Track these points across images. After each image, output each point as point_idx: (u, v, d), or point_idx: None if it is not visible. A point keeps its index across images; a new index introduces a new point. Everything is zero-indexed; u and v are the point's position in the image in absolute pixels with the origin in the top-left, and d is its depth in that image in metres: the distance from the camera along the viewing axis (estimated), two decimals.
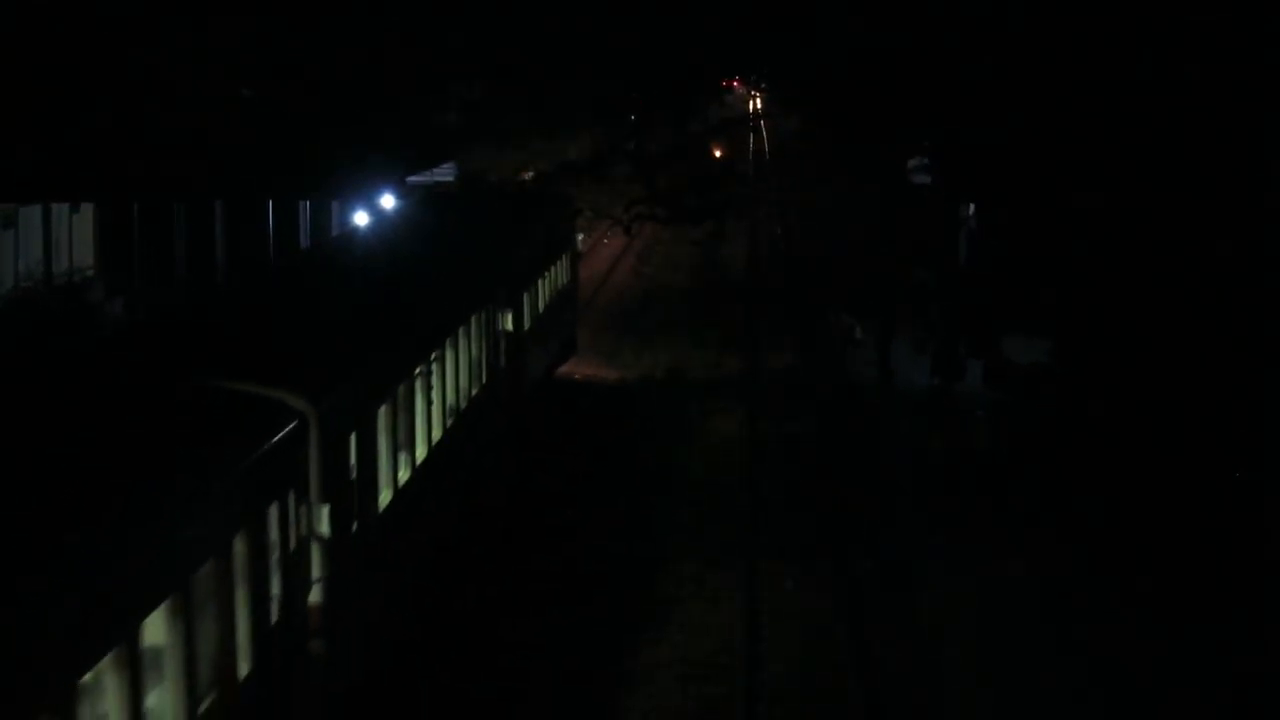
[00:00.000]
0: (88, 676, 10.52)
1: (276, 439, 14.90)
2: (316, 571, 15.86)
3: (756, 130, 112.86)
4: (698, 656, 21.54)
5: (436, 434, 21.78)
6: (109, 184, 42.83)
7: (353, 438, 17.25)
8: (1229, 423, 26.11)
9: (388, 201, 46.93)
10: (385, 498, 18.79)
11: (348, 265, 25.99)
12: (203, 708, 12.56)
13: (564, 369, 38.80)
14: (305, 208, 54.75)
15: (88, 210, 46.22)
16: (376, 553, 18.27)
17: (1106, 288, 29.43)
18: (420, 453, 20.76)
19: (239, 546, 13.64)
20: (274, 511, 14.72)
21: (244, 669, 13.73)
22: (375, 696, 18.59)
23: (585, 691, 20.42)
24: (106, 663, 10.71)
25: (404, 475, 19.77)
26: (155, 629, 11.62)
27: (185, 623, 12.14)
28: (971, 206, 43.88)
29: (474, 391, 25.09)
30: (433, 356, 21.91)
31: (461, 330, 24.26)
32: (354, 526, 17.12)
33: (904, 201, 52.06)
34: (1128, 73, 28.32)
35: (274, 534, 14.73)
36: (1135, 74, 28.01)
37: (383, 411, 18.79)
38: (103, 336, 24.88)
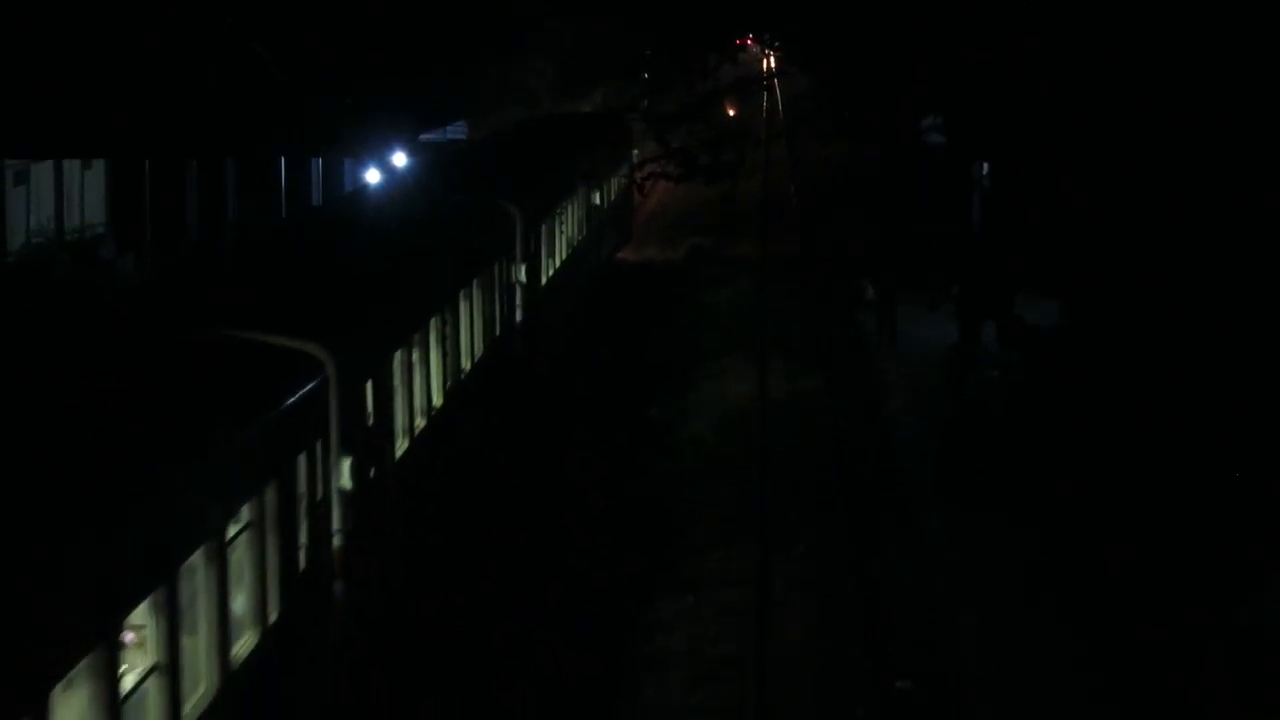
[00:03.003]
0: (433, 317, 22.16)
1: (503, 224, 29.02)
2: (518, 303, 29.41)
3: (770, 89, 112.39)
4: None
5: (564, 253, 36.72)
6: (120, 141, 42.78)
7: (531, 235, 30.84)
8: (1237, 400, 25.86)
9: (399, 159, 46.83)
10: (544, 278, 33.08)
11: (499, 153, 39.73)
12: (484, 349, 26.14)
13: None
14: (317, 165, 54.68)
15: (99, 167, 46.21)
16: (544, 304, 32.79)
17: (1120, 251, 29.26)
18: (559, 259, 35.67)
19: (494, 271, 27.18)
20: (504, 263, 28.38)
21: (498, 329, 27.53)
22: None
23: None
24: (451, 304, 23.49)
25: (554, 268, 34.79)
26: (470, 298, 24.90)
27: (470, 302, 24.87)
28: (985, 166, 43.68)
29: (580, 236, 40.20)
30: (564, 203, 36.80)
31: (574, 196, 39.02)
32: (537, 282, 31.88)
33: (917, 161, 51.84)
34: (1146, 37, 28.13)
35: (500, 277, 27.86)
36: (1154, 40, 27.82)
37: (544, 227, 33.10)
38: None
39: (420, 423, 20.98)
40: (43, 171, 43.82)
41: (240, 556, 13.79)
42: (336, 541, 16.73)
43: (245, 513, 13.82)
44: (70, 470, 11.27)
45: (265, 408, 14.85)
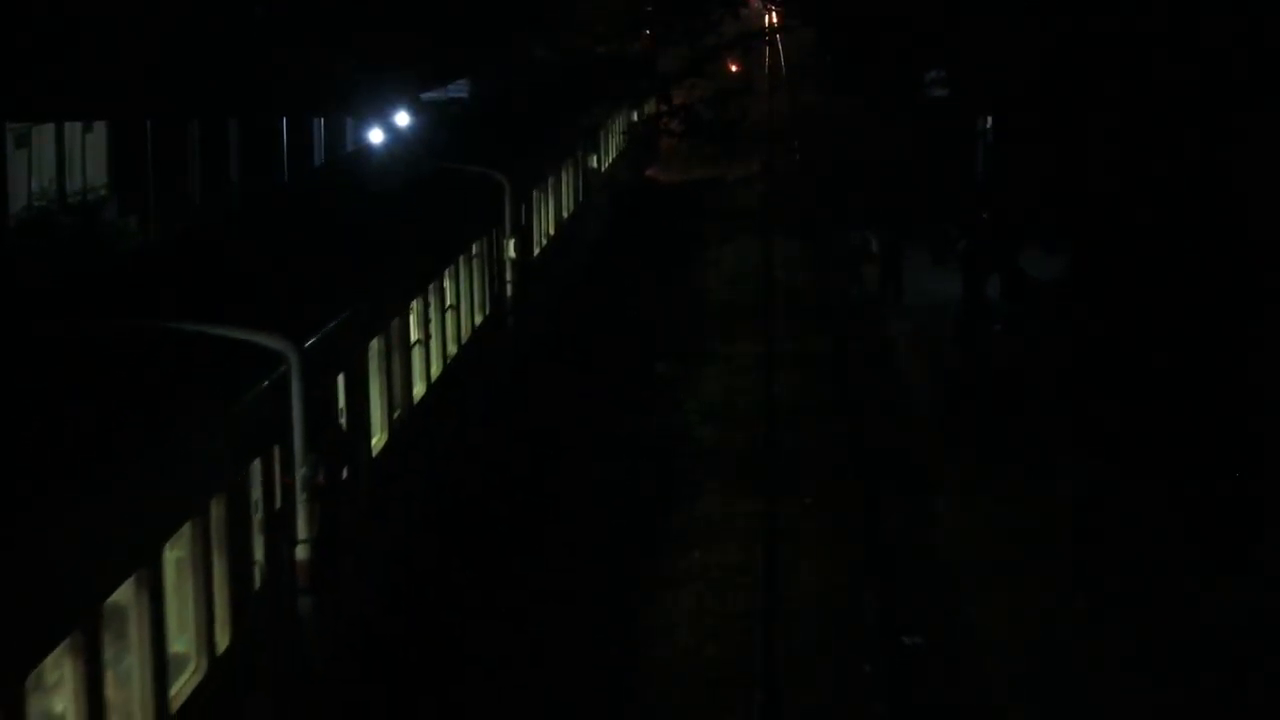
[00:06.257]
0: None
1: (583, 132, 42.60)
2: (581, 198, 41.02)
3: (772, 44, 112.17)
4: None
5: (608, 161, 49.53)
6: (122, 102, 42.68)
7: (601, 134, 46.88)
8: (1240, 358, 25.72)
9: (402, 119, 46.73)
10: (603, 168, 46.68)
11: (580, 84, 51.80)
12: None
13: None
14: (319, 125, 54.62)
15: (101, 130, 46.12)
16: (603, 184, 47.80)
17: (1122, 205, 29.22)
18: (608, 159, 49.12)
19: (578, 160, 41.21)
20: (582, 153, 40.63)
21: (581, 196, 42.04)
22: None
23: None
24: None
25: (607, 161, 48.73)
26: (569, 173, 39.38)
27: (570, 173, 39.10)
28: (989, 120, 43.59)
29: (620, 149, 53.97)
30: (612, 123, 50.81)
31: (616, 120, 53.25)
32: (599, 170, 45.26)
33: (920, 114, 51.73)
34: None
35: (581, 165, 41.07)
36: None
37: (602, 133, 47.19)
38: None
39: (545, 240, 33.18)
40: (44, 134, 43.75)
41: (468, 282, 24.32)
42: (509, 290, 28.05)
43: (476, 246, 25.18)
44: (385, 242, 20.99)
45: (489, 201, 27.27)
